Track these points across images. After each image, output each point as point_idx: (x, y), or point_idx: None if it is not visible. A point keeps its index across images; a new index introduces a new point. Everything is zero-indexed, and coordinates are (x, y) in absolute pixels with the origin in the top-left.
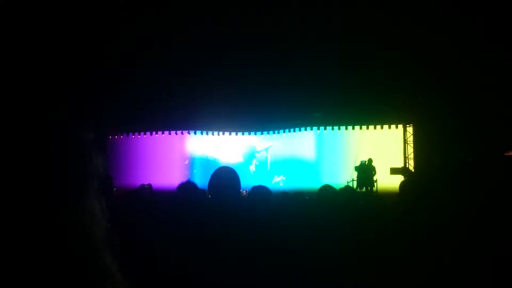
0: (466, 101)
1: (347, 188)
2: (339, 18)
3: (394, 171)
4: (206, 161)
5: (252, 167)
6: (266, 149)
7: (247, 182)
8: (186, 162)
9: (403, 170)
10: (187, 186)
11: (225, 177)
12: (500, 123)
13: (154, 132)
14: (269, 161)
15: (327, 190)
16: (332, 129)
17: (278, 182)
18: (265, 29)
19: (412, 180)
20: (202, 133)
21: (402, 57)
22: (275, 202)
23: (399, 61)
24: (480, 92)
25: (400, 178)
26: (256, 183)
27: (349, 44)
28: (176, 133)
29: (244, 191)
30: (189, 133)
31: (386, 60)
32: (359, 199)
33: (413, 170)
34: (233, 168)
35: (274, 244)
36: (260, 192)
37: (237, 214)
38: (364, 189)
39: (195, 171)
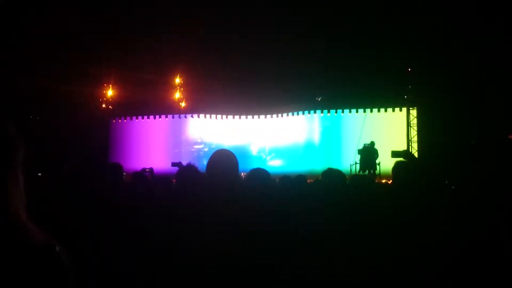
0: (470, 84)
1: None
2: (345, 4)
3: (395, 154)
4: (209, 145)
5: (254, 149)
6: (266, 134)
7: (248, 165)
8: (194, 149)
9: (405, 153)
10: (188, 170)
11: (223, 160)
12: (505, 105)
13: (157, 116)
14: (268, 145)
15: (332, 173)
16: (336, 112)
17: (274, 166)
18: (270, 15)
19: (406, 162)
20: (205, 117)
21: (407, 40)
22: (276, 184)
23: (404, 44)
24: (485, 74)
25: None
26: (256, 166)
27: (354, 27)
28: (180, 117)
29: (242, 174)
30: (192, 117)
31: (391, 43)
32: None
33: (414, 153)
34: (236, 150)
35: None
36: (258, 174)
37: (237, 197)
38: (366, 172)
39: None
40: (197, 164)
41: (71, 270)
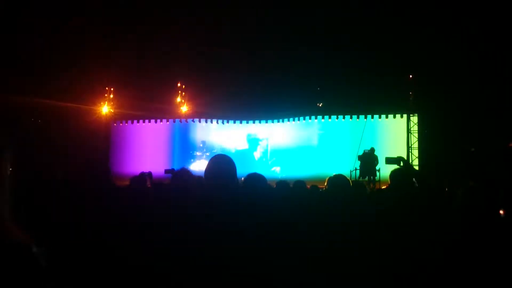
0: (471, 91)
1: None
2: (347, 10)
3: (389, 160)
4: (210, 149)
5: (256, 154)
6: (267, 139)
7: (251, 169)
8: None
9: (399, 160)
10: (182, 174)
11: (221, 165)
12: (505, 113)
13: (158, 120)
14: (269, 150)
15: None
16: (337, 118)
17: (275, 171)
18: (273, 20)
19: (402, 169)
20: (206, 122)
21: (408, 48)
22: (275, 190)
23: (405, 51)
24: (485, 83)
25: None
26: (259, 171)
27: (356, 34)
28: (181, 122)
29: (242, 179)
30: (193, 121)
31: (392, 49)
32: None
33: (414, 160)
34: (238, 154)
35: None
36: (255, 180)
37: (234, 202)
38: (366, 178)
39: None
40: (197, 168)
41: (47, 270)
